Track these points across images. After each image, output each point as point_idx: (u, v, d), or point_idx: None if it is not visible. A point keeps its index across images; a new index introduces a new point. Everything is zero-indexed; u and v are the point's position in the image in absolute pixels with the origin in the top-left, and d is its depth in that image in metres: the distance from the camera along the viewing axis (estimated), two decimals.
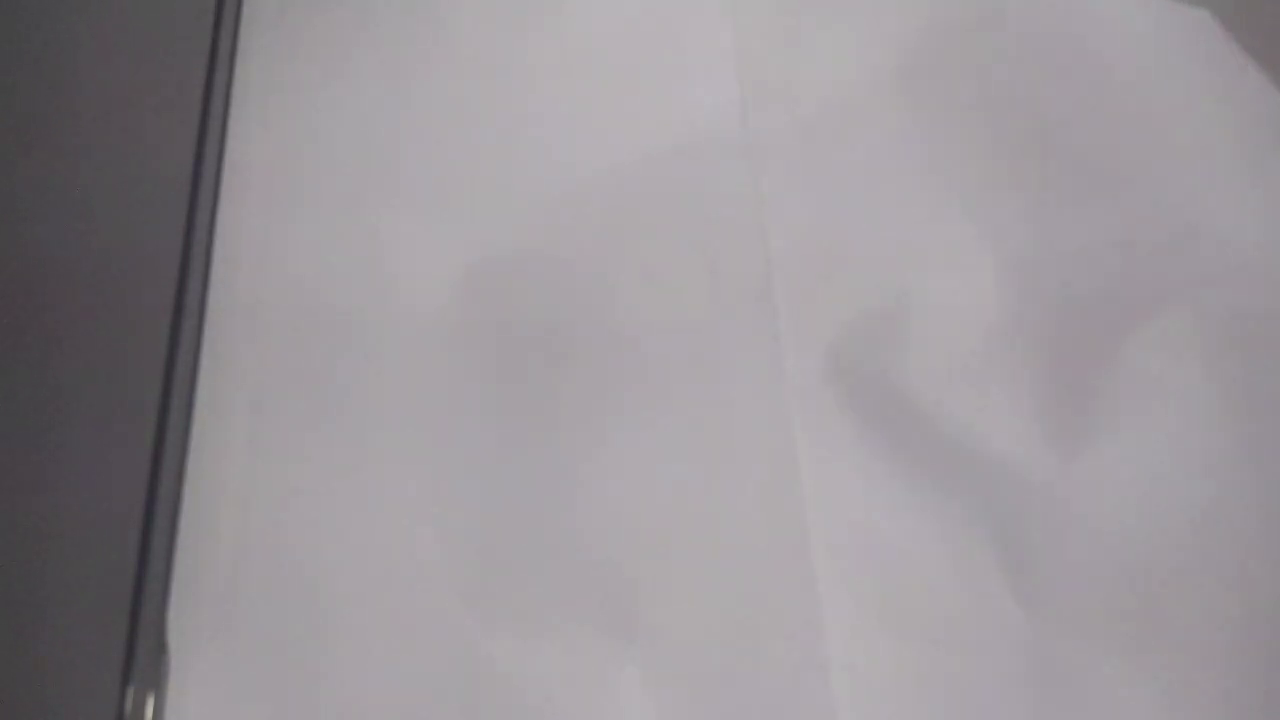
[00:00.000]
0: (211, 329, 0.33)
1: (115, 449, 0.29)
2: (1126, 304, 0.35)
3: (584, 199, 0.36)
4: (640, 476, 0.32)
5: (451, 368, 0.33)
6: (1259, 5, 0.40)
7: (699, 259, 0.36)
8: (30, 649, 0.26)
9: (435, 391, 0.33)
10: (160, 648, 0.29)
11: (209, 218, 0.34)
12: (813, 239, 0.36)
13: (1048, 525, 0.32)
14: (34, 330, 0.28)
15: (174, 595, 0.30)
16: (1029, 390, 0.34)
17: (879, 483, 0.32)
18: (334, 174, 0.36)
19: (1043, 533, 0.32)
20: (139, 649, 0.29)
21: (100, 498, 0.29)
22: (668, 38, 0.40)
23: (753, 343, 0.34)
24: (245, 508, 0.31)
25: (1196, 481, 0.32)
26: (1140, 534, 0.32)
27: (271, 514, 0.31)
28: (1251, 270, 0.36)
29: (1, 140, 0.27)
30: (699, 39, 0.40)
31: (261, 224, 0.35)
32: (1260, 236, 0.36)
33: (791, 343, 0.34)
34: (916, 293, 0.35)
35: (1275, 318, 0.35)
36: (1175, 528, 0.32)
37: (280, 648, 0.29)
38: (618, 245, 0.36)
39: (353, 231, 0.35)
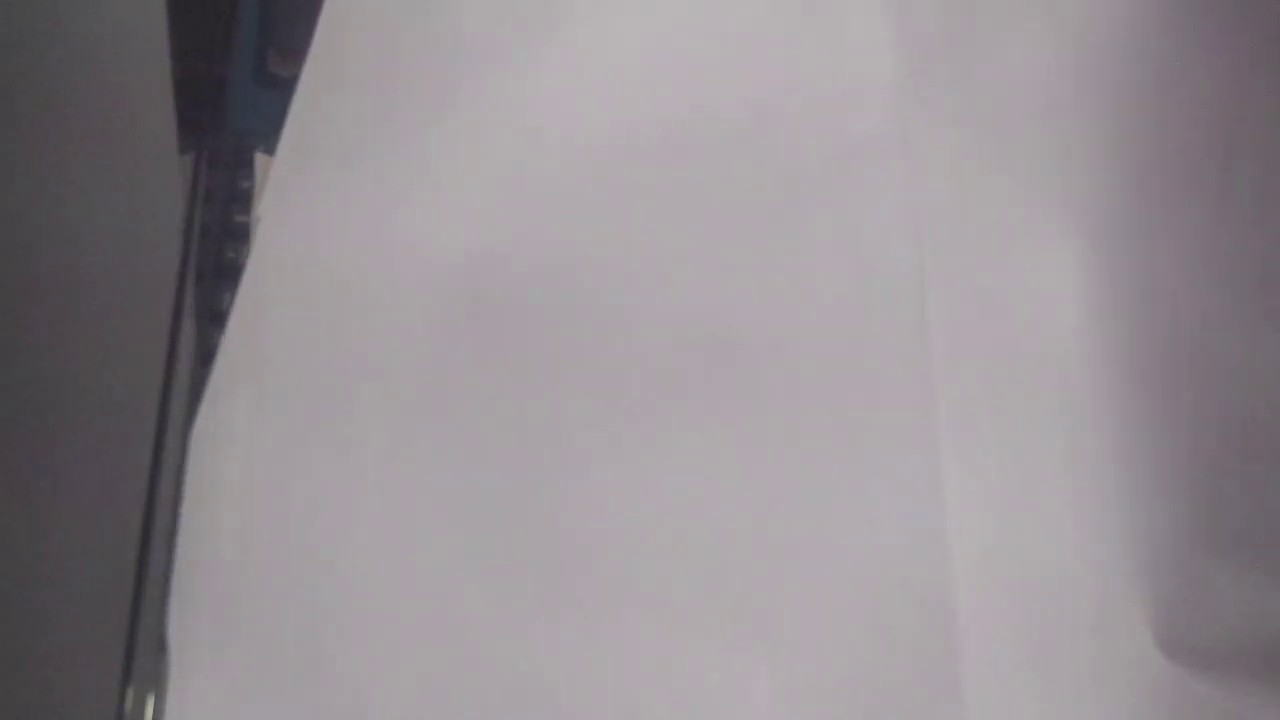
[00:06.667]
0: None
1: (115, 449, 0.29)
2: None
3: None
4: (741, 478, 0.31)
5: (474, 359, 0.33)
6: None
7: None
8: (30, 649, 0.26)
9: (450, 384, 0.33)
10: (160, 648, 0.29)
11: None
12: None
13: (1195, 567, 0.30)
14: (34, 329, 0.28)
15: (174, 595, 0.30)
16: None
17: (1024, 509, 0.31)
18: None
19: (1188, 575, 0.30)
20: (139, 649, 0.29)
21: (100, 498, 0.29)
22: None
23: (898, 345, 0.33)
24: (245, 507, 0.31)
25: None
26: None
27: (272, 512, 0.31)
28: None
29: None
30: None
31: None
32: None
33: (941, 350, 0.33)
34: None
35: None
36: None
37: (280, 648, 0.29)
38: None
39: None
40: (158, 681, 0.29)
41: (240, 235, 0.35)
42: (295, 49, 0.39)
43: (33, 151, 0.28)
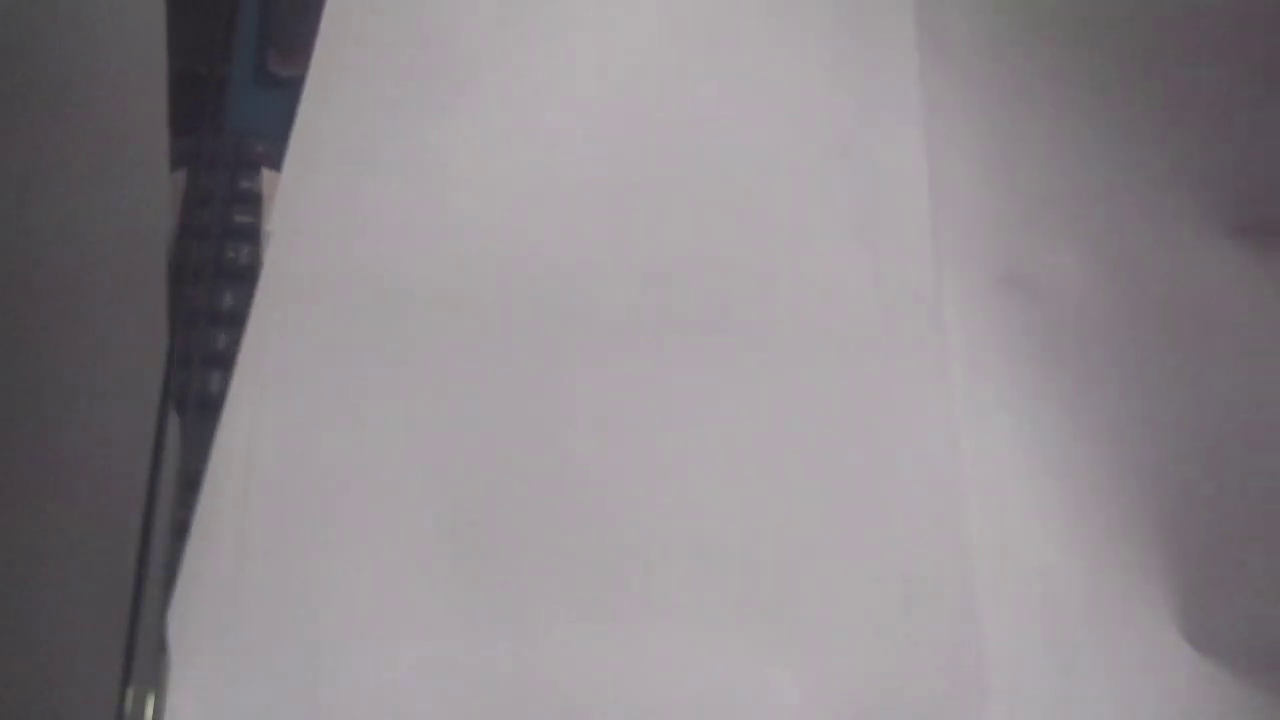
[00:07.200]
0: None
1: (115, 449, 0.29)
2: None
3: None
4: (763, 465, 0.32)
5: (483, 359, 0.33)
6: None
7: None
8: (30, 649, 0.26)
9: (457, 384, 0.32)
10: (160, 648, 0.29)
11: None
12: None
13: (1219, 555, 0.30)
14: (33, 328, 0.27)
15: (174, 595, 0.30)
16: None
17: (1046, 500, 0.31)
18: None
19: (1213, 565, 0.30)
20: (139, 649, 0.29)
21: (100, 498, 0.29)
22: None
23: (913, 330, 0.33)
24: (245, 508, 0.31)
25: None
26: None
27: (272, 513, 0.31)
28: None
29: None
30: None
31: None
32: None
33: (956, 339, 0.33)
34: None
35: None
36: None
37: (280, 648, 0.29)
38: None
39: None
40: (158, 681, 0.29)
41: (240, 235, 0.35)
42: (295, 49, 0.39)
43: (31, 151, 0.28)
